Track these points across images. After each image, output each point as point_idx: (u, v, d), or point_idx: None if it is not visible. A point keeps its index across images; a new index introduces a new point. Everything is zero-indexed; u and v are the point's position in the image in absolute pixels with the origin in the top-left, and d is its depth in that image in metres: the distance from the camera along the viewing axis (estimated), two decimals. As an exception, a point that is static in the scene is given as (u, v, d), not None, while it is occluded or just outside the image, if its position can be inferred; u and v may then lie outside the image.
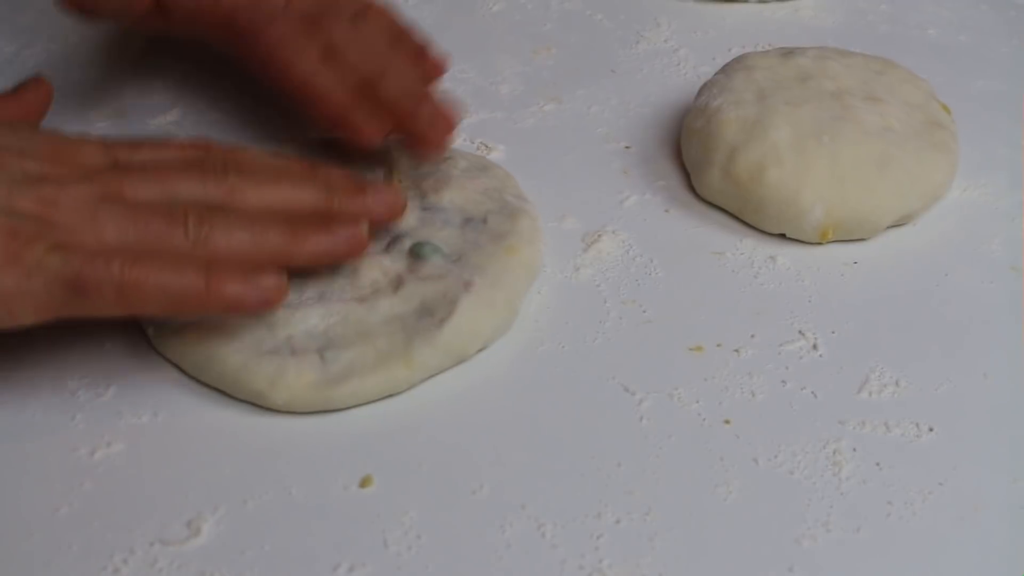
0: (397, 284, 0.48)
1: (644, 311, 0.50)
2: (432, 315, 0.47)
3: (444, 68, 0.56)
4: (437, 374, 0.47)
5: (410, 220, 0.51)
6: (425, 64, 0.55)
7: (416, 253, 0.49)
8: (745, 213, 0.53)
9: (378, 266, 0.49)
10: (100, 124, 0.59)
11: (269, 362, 0.45)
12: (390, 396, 0.46)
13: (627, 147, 0.58)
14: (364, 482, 0.43)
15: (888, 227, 0.53)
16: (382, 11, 0.56)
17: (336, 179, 0.48)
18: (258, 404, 0.45)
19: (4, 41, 0.65)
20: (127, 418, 0.45)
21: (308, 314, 0.47)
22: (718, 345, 0.48)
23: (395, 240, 0.50)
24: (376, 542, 0.41)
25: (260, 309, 0.44)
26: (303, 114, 0.52)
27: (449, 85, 0.62)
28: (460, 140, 0.58)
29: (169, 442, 0.44)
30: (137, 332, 0.48)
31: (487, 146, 0.58)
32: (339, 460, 0.44)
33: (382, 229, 0.49)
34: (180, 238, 0.43)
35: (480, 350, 0.48)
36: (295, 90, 0.52)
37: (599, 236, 0.53)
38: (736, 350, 0.48)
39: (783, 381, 0.47)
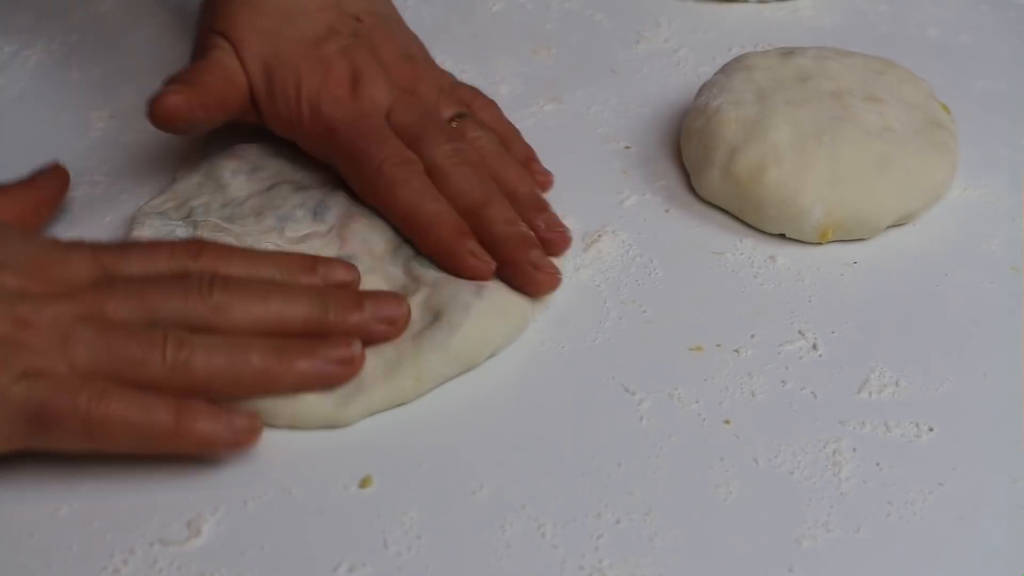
0: (403, 293, 0.48)
1: (644, 311, 0.50)
2: (441, 322, 0.46)
3: (551, 182, 0.55)
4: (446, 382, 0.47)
5: None
6: (534, 176, 0.54)
7: (413, 267, 0.49)
8: (745, 213, 0.53)
9: (382, 272, 0.49)
10: (100, 125, 0.59)
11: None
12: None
13: (627, 147, 0.58)
14: (364, 482, 0.43)
15: (888, 227, 0.53)
16: (486, 107, 0.56)
17: (332, 290, 0.46)
18: None
19: (4, 41, 0.65)
20: (127, 418, 0.45)
21: None
22: (718, 345, 0.48)
23: (399, 247, 0.50)
24: (376, 542, 0.41)
25: (231, 450, 0.43)
26: (410, 238, 0.50)
27: (449, 85, 0.62)
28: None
29: (169, 442, 0.44)
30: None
31: (487, 146, 0.58)
32: (339, 460, 0.44)
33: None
34: (157, 364, 0.41)
35: (489, 357, 0.48)
36: (400, 220, 0.50)
37: (599, 236, 0.53)
38: (736, 350, 0.48)
39: (783, 381, 0.47)
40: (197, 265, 0.44)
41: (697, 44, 0.66)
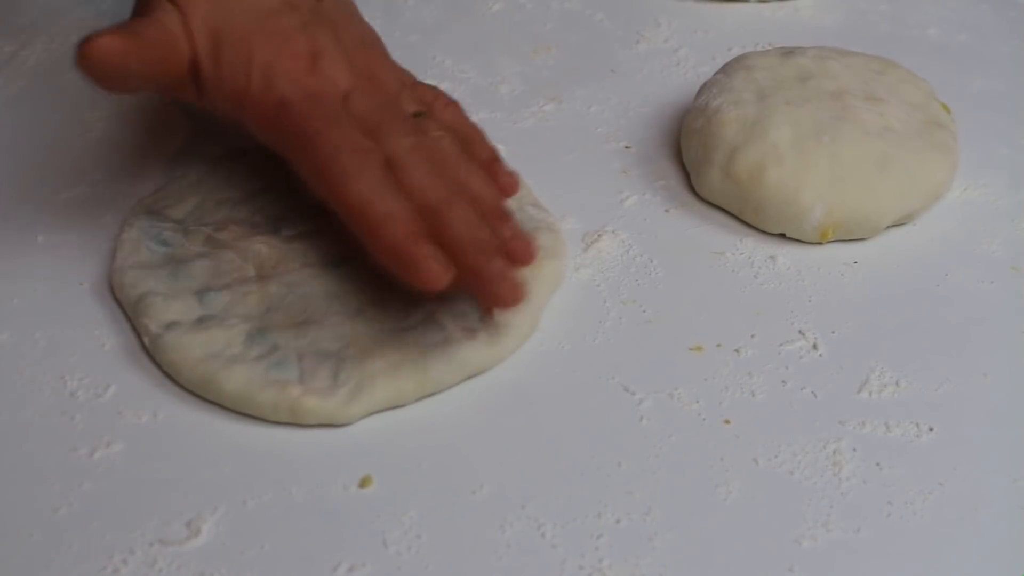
0: (409, 299, 0.48)
1: (644, 311, 0.50)
2: (447, 331, 0.46)
3: (516, 187, 0.49)
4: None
5: None
6: (497, 180, 0.49)
7: None
8: (745, 213, 0.53)
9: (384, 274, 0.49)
10: (99, 124, 0.59)
11: (270, 391, 0.45)
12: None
13: (627, 147, 0.58)
14: (364, 482, 0.43)
15: (888, 227, 0.53)
16: (447, 106, 0.51)
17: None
18: None
19: (3, 41, 0.65)
20: (127, 418, 0.45)
21: (313, 329, 0.47)
22: (718, 345, 0.48)
23: None
24: (376, 542, 0.41)
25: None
26: (358, 238, 0.46)
27: (449, 85, 0.62)
28: (460, 140, 0.58)
29: (169, 442, 0.44)
30: (137, 332, 0.48)
31: (487, 146, 0.58)
32: (339, 460, 0.44)
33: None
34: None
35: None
36: (350, 214, 0.45)
37: (599, 236, 0.53)
38: (736, 350, 0.48)
39: (783, 381, 0.47)
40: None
41: (697, 44, 0.66)
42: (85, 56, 0.45)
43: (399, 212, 0.44)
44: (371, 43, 0.52)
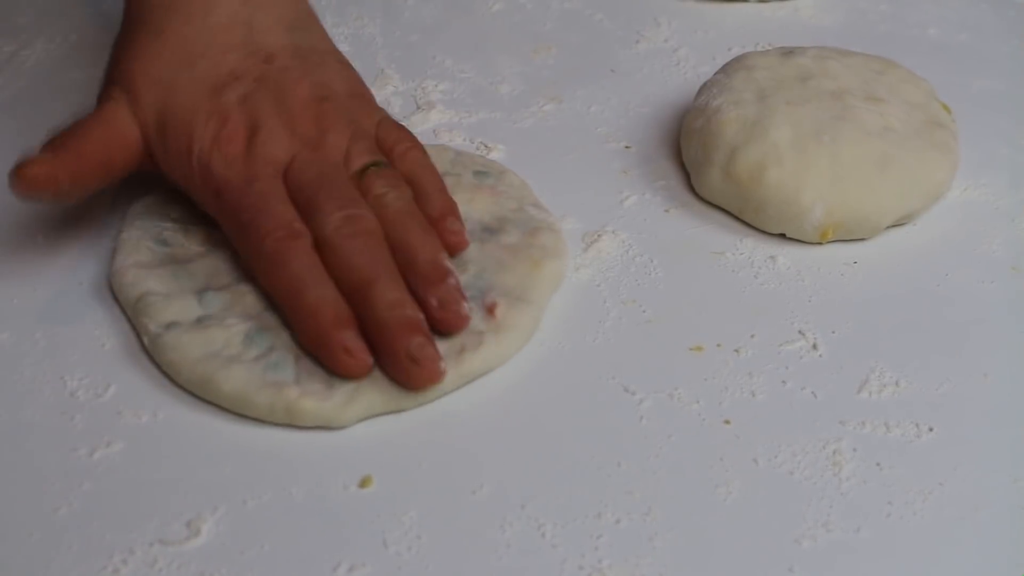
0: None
1: (644, 311, 0.50)
2: (450, 338, 0.46)
3: (463, 244, 0.49)
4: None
5: None
6: (443, 237, 0.48)
7: None
8: (745, 213, 0.53)
9: None
10: (100, 124, 0.59)
11: (267, 392, 0.44)
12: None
13: (627, 147, 0.58)
14: (364, 482, 0.43)
15: (888, 227, 0.53)
16: (408, 152, 0.51)
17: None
18: None
19: (3, 41, 0.65)
20: (127, 418, 0.45)
21: None
22: (718, 345, 0.48)
23: None
24: (376, 542, 0.41)
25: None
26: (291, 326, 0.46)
27: (449, 85, 0.62)
28: (460, 140, 0.58)
29: (169, 442, 0.44)
30: (137, 332, 0.48)
31: (487, 146, 0.58)
32: (339, 460, 0.44)
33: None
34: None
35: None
36: (278, 302, 0.46)
37: (599, 236, 0.53)
38: (736, 350, 0.48)
39: (783, 381, 0.47)
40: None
41: (697, 44, 0.66)
42: (15, 187, 0.46)
43: (323, 302, 0.45)
44: (326, 95, 0.51)
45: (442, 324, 0.46)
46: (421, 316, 0.45)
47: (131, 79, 0.50)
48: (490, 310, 0.47)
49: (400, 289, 0.45)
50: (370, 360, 0.44)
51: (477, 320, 0.47)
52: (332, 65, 0.53)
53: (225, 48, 0.51)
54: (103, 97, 0.50)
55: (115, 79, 0.50)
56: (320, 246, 0.46)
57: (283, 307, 0.46)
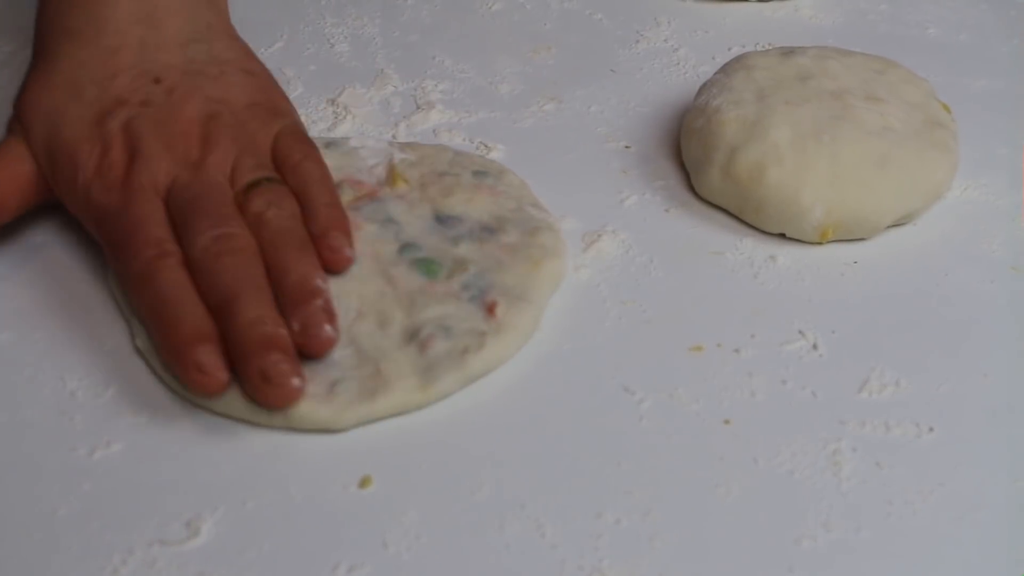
0: (410, 302, 0.48)
1: (644, 311, 0.50)
2: (452, 340, 0.46)
3: (343, 261, 0.48)
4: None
5: (421, 228, 0.51)
6: (321, 254, 0.47)
7: (426, 270, 0.49)
8: (745, 213, 0.53)
9: (383, 275, 0.49)
10: (100, 124, 0.59)
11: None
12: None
13: (627, 147, 0.58)
14: (363, 482, 0.43)
15: (888, 227, 0.53)
16: (301, 163, 0.50)
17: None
18: None
19: (3, 40, 0.65)
20: (127, 418, 0.45)
21: None
22: (718, 345, 0.48)
23: (405, 248, 0.50)
24: (376, 542, 0.41)
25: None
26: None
27: (449, 85, 0.62)
28: (460, 140, 0.58)
29: (169, 442, 0.44)
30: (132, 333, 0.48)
31: (487, 146, 0.58)
32: (338, 460, 0.44)
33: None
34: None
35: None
36: (146, 322, 0.46)
37: (599, 236, 0.53)
38: (736, 350, 0.48)
39: (783, 381, 0.47)
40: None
41: (697, 44, 0.66)
42: None
43: (182, 317, 0.44)
44: (215, 112, 0.50)
45: (304, 348, 0.44)
46: (284, 333, 0.44)
47: (24, 111, 0.50)
48: (490, 310, 0.47)
49: (264, 306, 0.44)
50: (224, 378, 0.43)
51: (478, 320, 0.47)
52: (232, 77, 0.52)
53: (114, 72, 0.50)
54: (7, 130, 0.50)
55: (15, 111, 0.51)
56: (190, 266, 0.46)
57: (148, 326, 0.46)
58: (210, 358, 0.43)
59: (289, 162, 0.50)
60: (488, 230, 0.51)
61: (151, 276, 0.45)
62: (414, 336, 0.46)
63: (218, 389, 0.43)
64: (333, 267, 0.48)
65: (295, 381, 0.43)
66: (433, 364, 0.45)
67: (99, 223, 0.48)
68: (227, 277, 0.45)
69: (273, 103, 0.53)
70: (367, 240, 0.50)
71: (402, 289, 0.48)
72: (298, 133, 0.52)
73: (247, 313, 0.44)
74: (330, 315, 0.45)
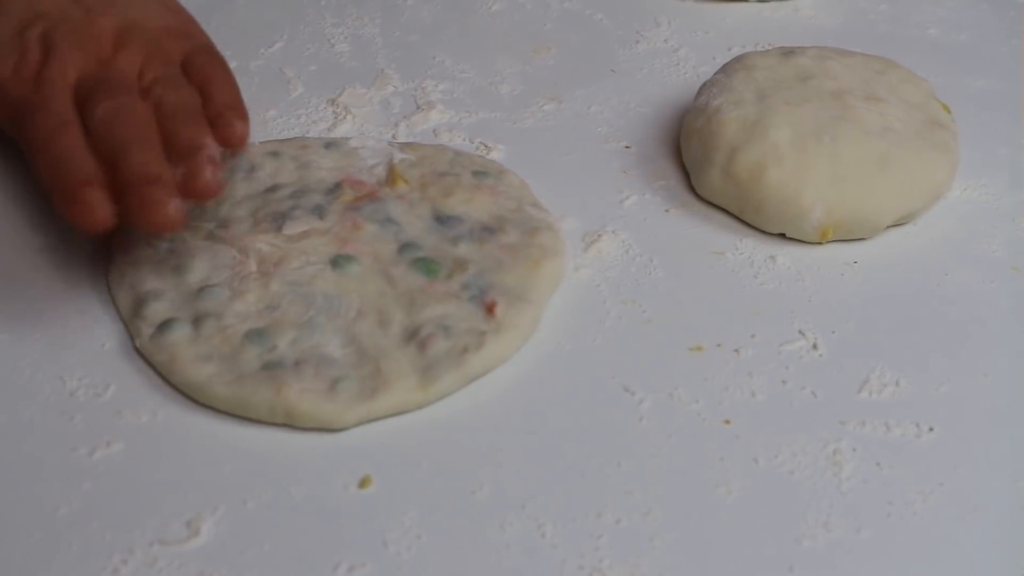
0: (410, 302, 0.48)
1: (644, 311, 0.50)
2: (452, 339, 0.46)
3: (240, 133, 0.50)
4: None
5: (420, 228, 0.51)
6: (220, 131, 0.50)
7: (426, 270, 0.49)
8: (745, 213, 0.53)
9: (383, 275, 0.49)
10: (100, 124, 0.59)
11: (266, 393, 0.44)
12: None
13: (627, 147, 0.58)
14: (364, 482, 0.43)
15: (888, 227, 0.53)
16: (203, 65, 0.53)
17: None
18: None
19: (4, 41, 0.65)
20: (127, 418, 0.45)
21: (312, 330, 0.47)
22: (718, 345, 0.48)
23: (405, 248, 0.50)
24: (376, 542, 0.41)
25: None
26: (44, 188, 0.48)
27: (449, 85, 0.62)
28: (460, 140, 0.58)
29: (169, 442, 0.44)
30: (131, 333, 0.48)
31: (487, 146, 0.58)
32: (338, 460, 0.44)
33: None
34: None
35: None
36: (41, 174, 0.48)
37: (599, 236, 0.53)
38: (736, 350, 0.48)
39: (783, 381, 0.47)
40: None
41: (697, 44, 0.66)
42: None
43: (74, 166, 0.46)
44: (131, 26, 0.53)
45: (188, 191, 0.46)
46: (167, 173, 0.46)
47: None
48: (490, 309, 0.47)
49: (150, 153, 0.47)
50: (107, 213, 0.45)
51: (478, 320, 0.47)
52: (150, 4, 0.56)
53: None
54: None
55: None
56: (89, 134, 0.48)
57: (45, 185, 0.47)
58: (94, 196, 0.45)
59: (197, 70, 0.53)
60: (488, 230, 0.51)
61: (50, 141, 0.47)
62: (414, 335, 0.46)
63: (102, 224, 0.45)
64: (227, 143, 0.50)
65: (172, 206, 0.45)
66: (433, 363, 0.45)
67: (12, 117, 0.51)
68: (119, 132, 0.47)
69: (188, 28, 0.56)
70: (367, 240, 0.50)
71: (402, 289, 0.48)
72: (211, 52, 0.55)
73: (133, 158, 0.46)
74: (215, 165, 0.47)
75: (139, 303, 0.48)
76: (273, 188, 0.53)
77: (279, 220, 0.51)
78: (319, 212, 0.51)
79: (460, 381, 0.46)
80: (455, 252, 0.50)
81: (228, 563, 0.40)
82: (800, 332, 0.49)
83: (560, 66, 0.64)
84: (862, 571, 0.41)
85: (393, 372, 0.45)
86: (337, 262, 0.49)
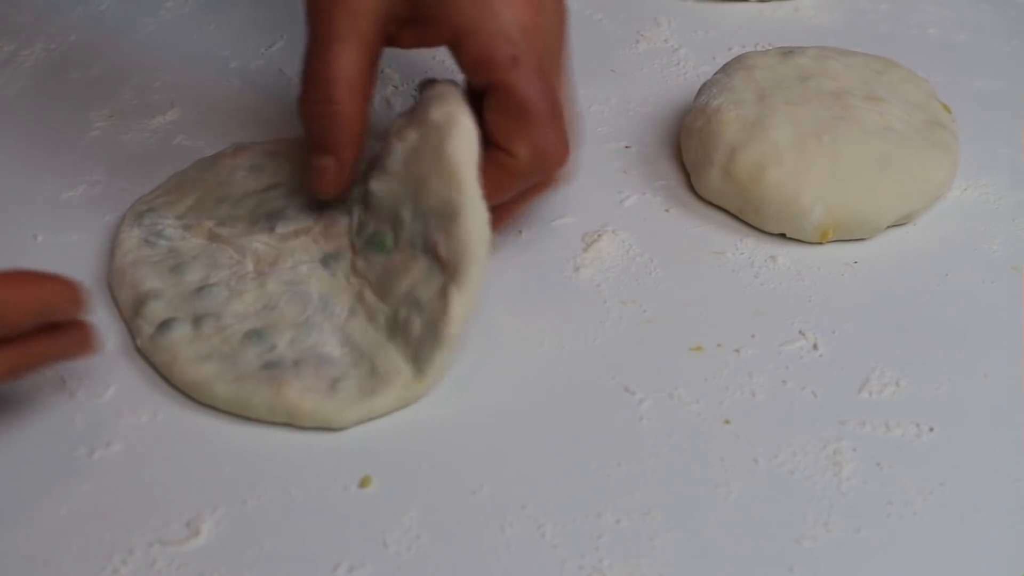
0: (384, 286, 0.47)
1: (644, 311, 0.50)
2: (424, 312, 0.45)
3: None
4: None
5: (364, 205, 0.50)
6: None
7: (379, 246, 0.48)
8: (745, 213, 0.53)
9: (357, 271, 0.49)
10: (99, 124, 0.59)
11: (266, 392, 0.44)
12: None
13: (627, 147, 0.58)
14: (363, 482, 0.43)
15: (888, 227, 0.53)
16: None
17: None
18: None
19: (3, 41, 0.65)
20: (127, 418, 0.45)
21: (310, 329, 0.47)
22: (718, 345, 0.48)
23: (359, 231, 0.49)
24: (376, 542, 0.41)
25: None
26: None
27: (449, 85, 0.62)
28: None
29: (169, 442, 0.44)
30: (131, 333, 0.48)
31: (487, 146, 0.58)
32: (338, 460, 0.44)
33: None
34: None
35: None
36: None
37: (599, 236, 0.53)
38: (736, 350, 0.48)
39: (783, 381, 0.47)
40: None
41: (697, 44, 0.66)
42: None
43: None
44: None
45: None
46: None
47: None
48: (435, 253, 0.45)
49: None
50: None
51: (435, 275, 0.45)
52: None
53: None
54: None
55: None
56: None
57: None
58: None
59: None
60: (393, 155, 0.48)
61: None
62: (396, 324, 0.46)
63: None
64: None
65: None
66: (418, 349, 0.45)
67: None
68: None
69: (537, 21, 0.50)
70: (340, 235, 0.50)
71: (374, 276, 0.48)
72: None
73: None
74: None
75: (139, 303, 0.48)
76: (269, 187, 0.53)
77: (273, 219, 0.51)
78: (311, 211, 0.51)
79: (446, 353, 0.45)
80: (383, 202, 0.47)
81: (228, 563, 0.40)
82: (800, 332, 0.49)
83: (560, 66, 0.64)
84: (862, 571, 0.41)
85: (388, 368, 0.45)
86: (327, 261, 0.49)
